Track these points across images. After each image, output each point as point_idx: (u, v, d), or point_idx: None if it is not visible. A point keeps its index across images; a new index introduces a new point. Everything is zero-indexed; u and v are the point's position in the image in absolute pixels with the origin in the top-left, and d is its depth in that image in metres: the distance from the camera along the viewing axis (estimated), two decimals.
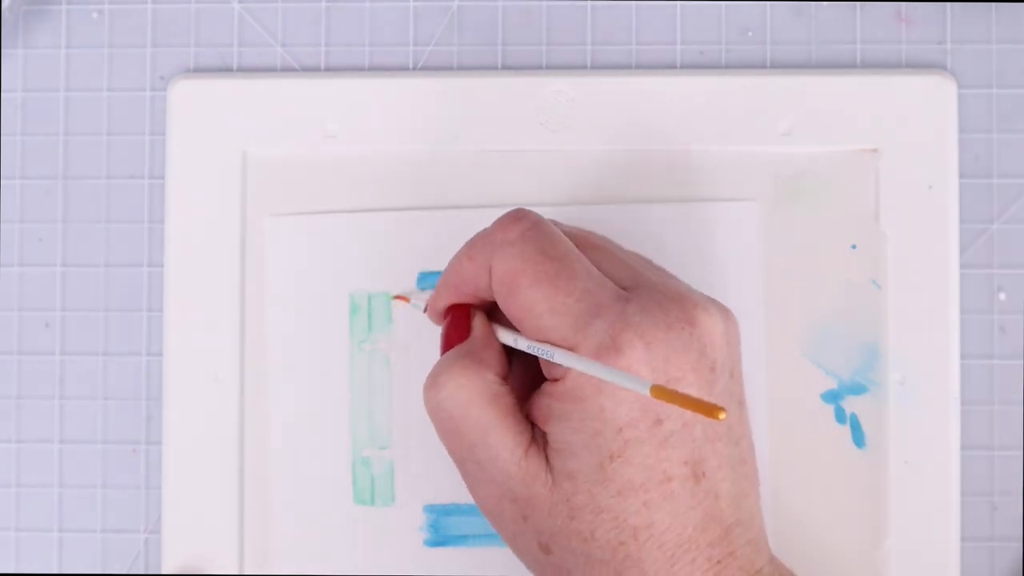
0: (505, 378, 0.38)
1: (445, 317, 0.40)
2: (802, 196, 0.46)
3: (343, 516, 0.45)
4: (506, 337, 0.38)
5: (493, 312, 0.40)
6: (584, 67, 0.47)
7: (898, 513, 0.44)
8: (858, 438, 0.45)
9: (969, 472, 0.46)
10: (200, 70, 0.48)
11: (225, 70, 0.48)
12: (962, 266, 0.46)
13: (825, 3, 0.47)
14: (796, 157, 0.46)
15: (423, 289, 0.45)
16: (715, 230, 0.45)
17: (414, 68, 0.47)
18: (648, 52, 0.47)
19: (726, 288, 0.45)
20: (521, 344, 0.37)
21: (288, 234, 0.46)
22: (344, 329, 0.46)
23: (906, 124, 0.46)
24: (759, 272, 0.45)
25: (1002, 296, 0.46)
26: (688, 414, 0.35)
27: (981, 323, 0.46)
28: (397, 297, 0.45)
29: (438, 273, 0.45)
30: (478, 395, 0.36)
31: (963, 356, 0.46)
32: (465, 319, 0.39)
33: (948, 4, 0.47)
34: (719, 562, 0.35)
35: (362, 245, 0.46)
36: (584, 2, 0.47)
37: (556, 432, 0.36)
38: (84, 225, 0.47)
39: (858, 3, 0.47)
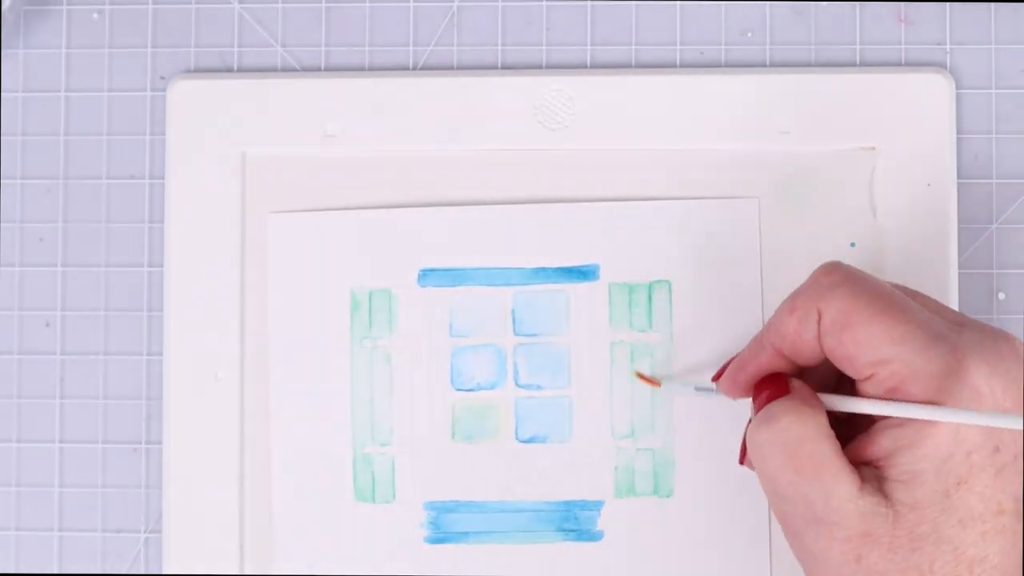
0: None
1: (757, 391, 0.39)
2: (801, 195, 0.46)
3: (344, 513, 0.45)
4: (842, 402, 0.38)
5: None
6: (584, 67, 0.47)
7: None
8: None
9: None
10: (200, 70, 0.48)
11: (225, 70, 0.48)
12: (961, 266, 0.46)
13: (825, 3, 0.47)
14: (796, 156, 0.46)
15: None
16: (715, 228, 0.45)
17: (414, 68, 0.47)
18: (648, 52, 0.47)
19: (726, 287, 0.45)
20: (868, 407, 0.37)
21: (289, 232, 0.46)
22: (345, 327, 0.45)
23: (905, 123, 0.46)
24: (758, 270, 0.45)
25: (1002, 296, 0.46)
26: (1020, 446, 0.35)
27: None
28: (643, 379, 0.45)
29: (438, 271, 0.45)
30: (813, 430, 0.36)
31: None
32: (783, 383, 0.39)
33: (948, 4, 0.47)
34: None
35: (363, 242, 0.46)
36: (584, 2, 0.47)
37: (902, 463, 0.35)
38: (84, 225, 0.47)
39: (858, 3, 0.47)
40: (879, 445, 0.36)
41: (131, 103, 0.48)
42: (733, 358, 0.41)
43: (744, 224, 0.46)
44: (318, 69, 0.48)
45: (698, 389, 0.43)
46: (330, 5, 0.48)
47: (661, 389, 0.45)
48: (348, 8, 0.48)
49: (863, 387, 0.37)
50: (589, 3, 0.47)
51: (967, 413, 0.34)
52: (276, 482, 0.45)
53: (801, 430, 0.36)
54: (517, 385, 0.45)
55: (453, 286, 0.46)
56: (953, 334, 0.36)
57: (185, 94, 0.47)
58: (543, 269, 0.45)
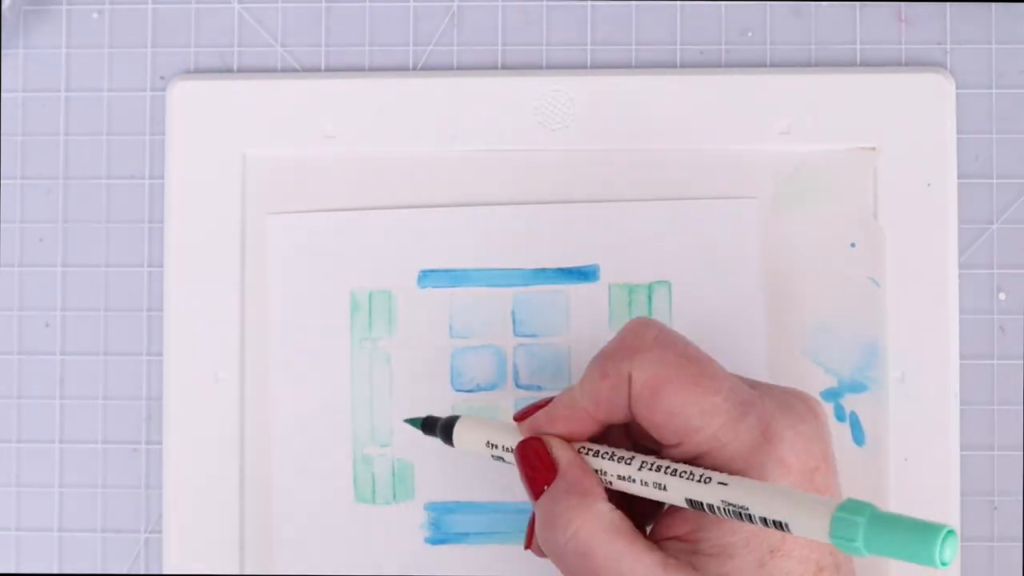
0: (608, 501, 0.37)
1: (523, 468, 0.38)
2: (801, 194, 0.46)
3: (344, 514, 0.45)
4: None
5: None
6: (584, 67, 0.47)
7: (898, 511, 0.44)
8: (858, 436, 0.45)
9: (969, 472, 0.46)
10: (200, 70, 0.48)
11: (225, 70, 0.48)
12: (962, 266, 0.46)
13: (825, 3, 0.47)
14: (795, 156, 0.46)
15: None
16: (715, 228, 0.45)
17: (414, 68, 0.47)
18: (648, 52, 0.47)
19: (726, 287, 0.45)
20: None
21: (288, 232, 0.46)
22: (345, 327, 0.46)
23: (905, 123, 0.46)
24: (758, 270, 0.45)
25: (1002, 296, 0.46)
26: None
27: (981, 323, 0.46)
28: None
29: (438, 272, 0.45)
30: (599, 532, 0.35)
31: (963, 356, 0.46)
32: (544, 451, 0.38)
33: (948, 4, 0.47)
34: None
35: (362, 243, 0.46)
36: (584, 2, 0.47)
37: (711, 537, 0.35)
38: (84, 225, 0.47)
39: (858, 3, 0.47)
40: (686, 520, 0.36)
41: (131, 103, 0.48)
42: (537, 404, 0.40)
43: (744, 224, 0.46)
44: (318, 69, 0.48)
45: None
46: (330, 5, 0.48)
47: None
48: (348, 8, 0.48)
49: (669, 452, 0.36)
50: (589, 3, 0.47)
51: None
52: (276, 482, 0.45)
53: (588, 534, 0.35)
54: (517, 386, 0.45)
55: (453, 287, 0.46)
56: (758, 401, 0.35)
57: (185, 94, 0.47)
58: (543, 270, 0.45)
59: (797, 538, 0.34)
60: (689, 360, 0.36)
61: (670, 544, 0.36)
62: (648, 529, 0.37)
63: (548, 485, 0.37)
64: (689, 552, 0.35)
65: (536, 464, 0.38)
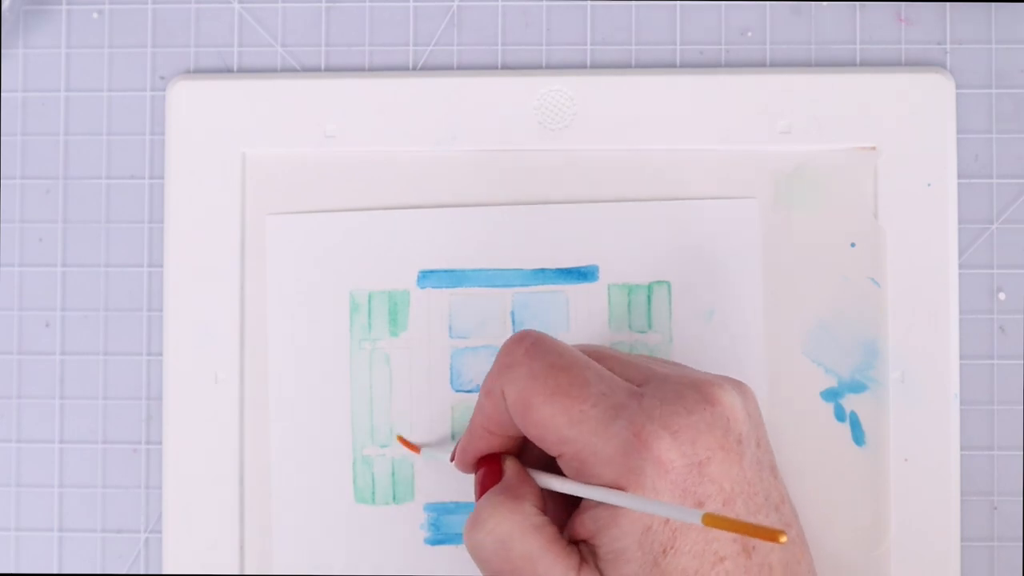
0: (543, 510, 0.37)
1: (477, 468, 0.40)
2: (801, 194, 0.46)
3: (344, 515, 0.45)
4: (544, 480, 0.38)
5: (524, 453, 0.40)
6: (584, 67, 0.47)
7: (898, 512, 0.45)
8: (858, 436, 0.45)
9: (969, 472, 0.46)
10: (200, 70, 0.48)
11: (225, 70, 0.48)
12: (961, 266, 0.46)
13: (825, 3, 0.47)
14: (795, 155, 0.46)
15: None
16: (714, 228, 0.45)
17: (414, 68, 0.47)
18: (648, 52, 0.47)
19: (725, 287, 0.45)
20: (562, 486, 0.37)
21: (288, 233, 0.46)
22: (344, 328, 0.46)
23: (905, 123, 0.46)
24: (758, 270, 0.45)
25: (1002, 296, 0.46)
26: (728, 494, 0.35)
27: (981, 323, 0.46)
28: (404, 442, 0.45)
29: (438, 272, 0.45)
30: (518, 528, 0.36)
31: (963, 356, 0.46)
32: (496, 464, 0.39)
33: (948, 4, 0.47)
34: None
35: (362, 244, 0.46)
36: (584, 2, 0.47)
37: (606, 541, 0.35)
38: (84, 225, 0.47)
39: (858, 3, 0.47)
40: (584, 525, 0.36)
41: (131, 103, 0.48)
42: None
43: (744, 224, 0.46)
44: (318, 69, 0.48)
45: (452, 460, 0.42)
46: (330, 5, 0.48)
47: (420, 456, 0.45)
48: (348, 8, 0.48)
49: (560, 464, 0.37)
50: (589, 3, 0.47)
51: (642, 500, 0.34)
52: (276, 483, 0.45)
53: (507, 529, 0.36)
54: None
55: (453, 287, 0.46)
56: (633, 402, 0.35)
57: (185, 94, 0.47)
58: (543, 270, 0.45)
59: (686, 534, 0.34)
60: (557, 370, 0.36)
61: (581, 547, 0.36)
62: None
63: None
64: (592, 555, 0.36)
65: (486, 471, 0.39)
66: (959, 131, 0.46)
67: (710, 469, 0.35)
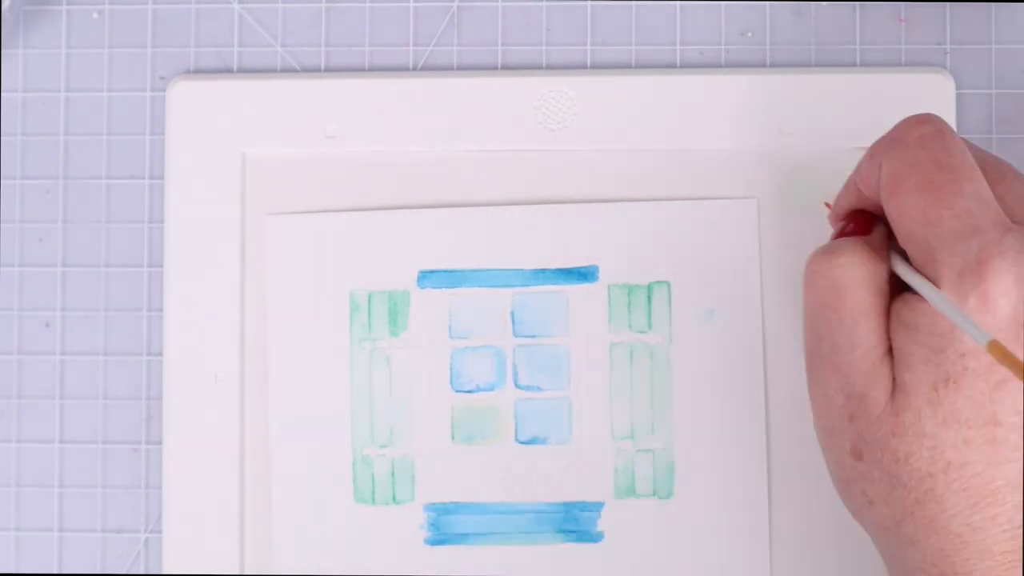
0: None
1: (845, 221, 0.39)
2: (801, 195, 0.46)
3: (344, 515, 0.45)
4: (895, 263, 0.37)
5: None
6: (584, 67, 0.47)
7: None
8: None
9: None
10: (200, 70, 0.48)
11: (225, 70, 0.48)
12: None
13: (825, 3, 0.47)
14: (796, 156, 0.46)
15: (431, 287, 0.45)
16: (714, 228, 0.45)
17: (414, 68, 0.47)
18: (648, 52, 0.47)
19: (725, 287, 0.45)
20: (904, 271, 0.36)
21: (288, 233, 0.46)
22: (344, 328, 0.45)
23: None
24: (758, 270, 0.45)
25: None
26: None
27: None
28: (827, 205, 0.43)
29: (438, 272, 0.45)
30: (867, 279, 0.36)
31: None
32: (867, 222, 0.38)
33: (948, 4, 0.47)
34: (1019, 527, 0.34)
35: (362, 244, 0.46)
36: (584, 2, 0.47)
37: (901, 341, 0.35)
38: (84, 225, 0.47)
39: (858, 3, 0.47)
40: (892, 316, 0.36)
41: (131, 103, 0.48)
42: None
43: (744, 224, 0.46)
44: (318, 69, 0.48)
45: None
46: (330, 5, 0.48)
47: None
48: (348, 8, 0.48)
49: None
50: (589, 3, 0.47)
51: (947, 304, 0.33)
52: (276, 483, 0.45)
53: (857, 274, 0.36)
54: (517, 386, 0.45)
55: (453, 287, 0.46)
56: (996, 232, 0.34)
57: (185, 94, 0.47)
58: (542, 270, 0.45)
59: (974, 380, 0.34)
60: (939, 168, 0.35)
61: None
62: None
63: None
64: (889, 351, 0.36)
65: (856, 223, 0.38)
66: (959, 131, 0.46)
67: None
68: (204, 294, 0.46)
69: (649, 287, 0.45)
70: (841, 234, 0.39)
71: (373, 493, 0.45)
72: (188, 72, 0.48)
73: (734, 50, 0.47)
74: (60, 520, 0.47)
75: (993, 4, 0.47)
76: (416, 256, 0.46)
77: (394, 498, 0.45)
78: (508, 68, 0.47)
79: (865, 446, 0.35)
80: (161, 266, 0.47)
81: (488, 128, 0.46)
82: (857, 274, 0.36)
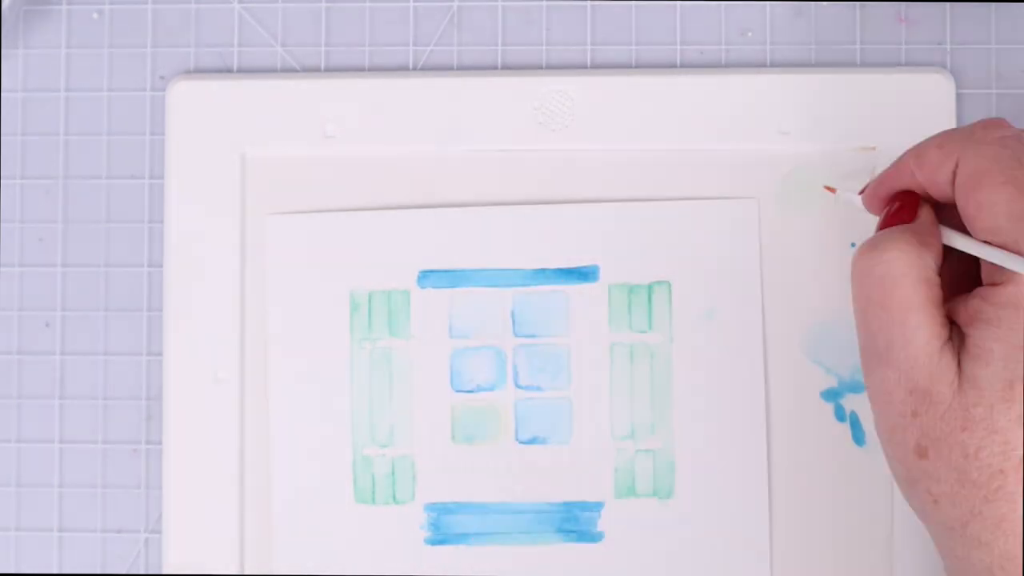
0: (939, 272, 0.37)
1: (890, 203, 0.39)
2: (801, 194, 0.46)
3: (344, 515, 0.45)
4: (952, 238, 0.37)
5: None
6: (584, 67, 0.47)
7: (899, 511, 0.44)
8: (858, 436, 0.45)
9: None
10: (200, 70, 0.48)
11: (225, 70, 0.48)
12: None
13: (825, 3, 0.47)
14: (795, 156, 0.46)
15: (433, 284, 0.45)
16: (714, 228, 0.45)
17: (414, 68, 0.47)
18: (648, 52, 0.47)
19: (725, 287, 0.45)
20: (968, 247, 0.36)
21: (288, 233, 0.46)
22: (344, 328, 0.46)
23: (905, 123, 0.45)
24: (758, 270, 0.45)
25: None
26: None
27: None
28: (827, 188, 0.44)
29: (438, 272, 0.45)
30: (915, 271, 0.36)
31: None
32: (914, 205, 0.38)
33: (948, 4, 0.47)
34: None
35: (362, 243, 0.46)
36: (584, 2, 0.47)
37: (978, 336, 0.35)
38: (84, 225, 0.47)
39: (858, 3, 0.47)
40: (967, 310, 0.36)
41: (131, 103, 0.48)
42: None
43: (744, 224, 0.46)
44: (318, 69, 0.48)
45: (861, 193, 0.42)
46: (330, 5, 0.48)
47: (836, 196, 0.44)
48: (348, 8, 0.48)
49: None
50: (589, 3, 0.47)
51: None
52: (276, 482, 0.45)
53: (903, 267, 0.36)
54: (517, 386, 0.45)
55: (453, 287, 0.46)
56: None
57: (185, 94, 0.47)
58: (543, 270, 0.45)
59: None
60: (1021, 165, 0.35)
61: (953, 328, 0.36)
62: None
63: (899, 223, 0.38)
64: (959, 341, 0.35)
65: (901, 206, 0.38)
66: None
67: None
68: (204, 294, 0.46)
69: (649, 287, 0.45)
70: (891, 216, 0.38)
71: (373, 493, 0.45)
72: (188, 72, 0.48)
73: (734, 50, 0.47)
74: (60, 520, 0.47)
75: (993, 4, 0.47)
76: (416, 256, 0.46)
77: (394, 498, 0.45)
78: (508, 68, 0.47)
79: (930, 442, 0.35)
80: (161, 266, 0.47)
81: (488, 128, 0.46)
82: (904, 267, 0.36)
